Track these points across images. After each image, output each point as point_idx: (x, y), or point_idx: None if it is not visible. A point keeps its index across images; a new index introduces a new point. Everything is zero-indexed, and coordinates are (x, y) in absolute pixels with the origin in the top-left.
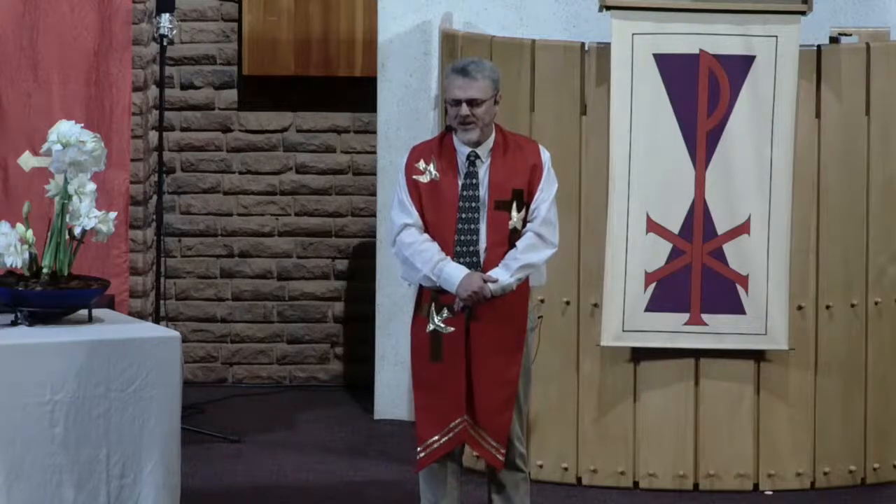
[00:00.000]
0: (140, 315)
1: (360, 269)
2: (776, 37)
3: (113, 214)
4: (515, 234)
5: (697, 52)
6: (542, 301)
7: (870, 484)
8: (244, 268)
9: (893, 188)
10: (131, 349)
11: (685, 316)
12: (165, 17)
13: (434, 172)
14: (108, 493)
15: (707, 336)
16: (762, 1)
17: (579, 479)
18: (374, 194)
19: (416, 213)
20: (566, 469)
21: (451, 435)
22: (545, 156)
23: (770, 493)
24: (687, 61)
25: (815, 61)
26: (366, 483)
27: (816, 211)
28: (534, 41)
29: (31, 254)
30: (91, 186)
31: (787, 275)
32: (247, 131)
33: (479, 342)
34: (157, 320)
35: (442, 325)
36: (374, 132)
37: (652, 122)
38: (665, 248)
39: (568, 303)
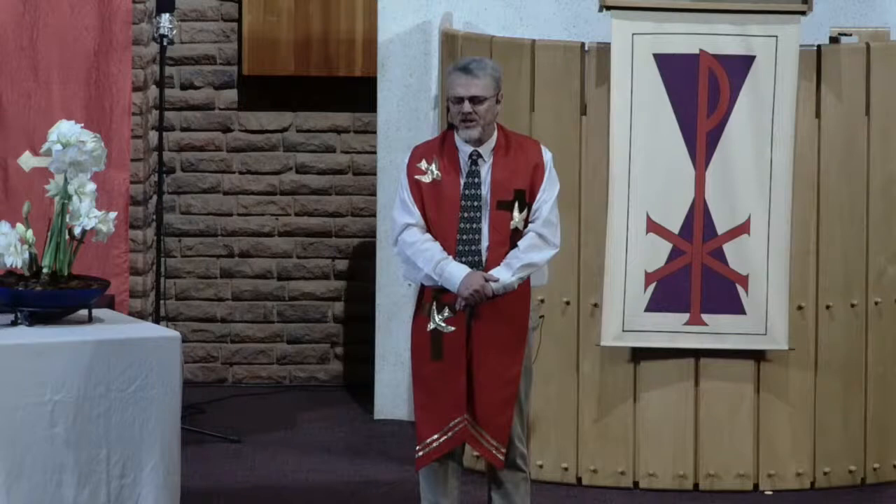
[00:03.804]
0: (140, 315)
1: (360, 269)
2: (776, 37)
3: (113, 214)
4: (517, 234)
5: (697, 52)
6: (542, 301)
7: (870, 484)
8: (244, 268)
9: (893, 188)
10: (131, 349)
11: (685, 316)
12: (165, 17)
13: (436, 172)
14: (108, 493)
15: (707, 336)
16: (762, 1)
17: (579, 479)
18: (374, 194)
19: (417, 213)
20: (566, 469)
21: (450, 434)
22: (547, 156)
23: (770, 493)
24: (687, 61)
25: (815, 61)
26: (366, 483)
27: (816, 211)
28: (534, 41)
29: (31, 254)
30: (91, 186)
31: (787, 275)
32: (247, 131)
33: (480, 341)
34: (157, 320)
35: (443, 325)
36: (374, 132)
37: (652, 122)
38: (665, 248)
39: (568, 303)
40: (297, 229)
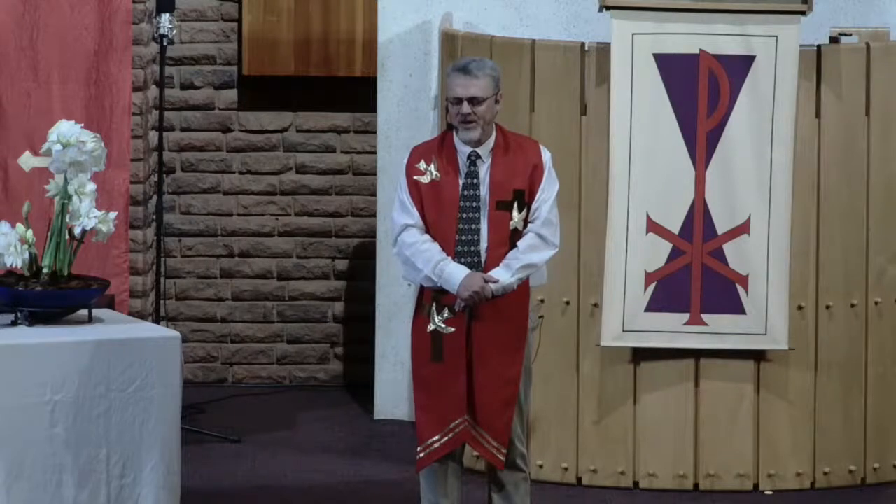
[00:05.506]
0: (140, 315)
1: (360, 269)
2: (776, 37)
3: (113, 214)
4: (516, 235)
5: (697, 52)
6: (541, 301)
7: (870, 484)
8: (244, 268)
9: (893, 188)
10: (131, 349)
11: (685, 316)
12: (165, 17)
13: (435, 173)
14: (108, 493)
15: (707, 336)
16: (762, 1)
17: (579, 479)
18: (374, 194)
19: (416, 214)
20: (566, 469)
21: (451, 435)
22: (546, 156)
23: (770, 493)
24: (687, 61)
25: (815, 61)
26: (366, 483)
27: (816, 211)
28: (534, 41)
29: (31, 254)
30: (91, 186)
31: (787, 275)
32: (247, 131)
33: (480, 342)
34: (157, 320)
35: (443, 326)
36: (374, 132)
37: (652, 122)
38: (665, 248)
39: (568, 303)
40: (297, 229)
